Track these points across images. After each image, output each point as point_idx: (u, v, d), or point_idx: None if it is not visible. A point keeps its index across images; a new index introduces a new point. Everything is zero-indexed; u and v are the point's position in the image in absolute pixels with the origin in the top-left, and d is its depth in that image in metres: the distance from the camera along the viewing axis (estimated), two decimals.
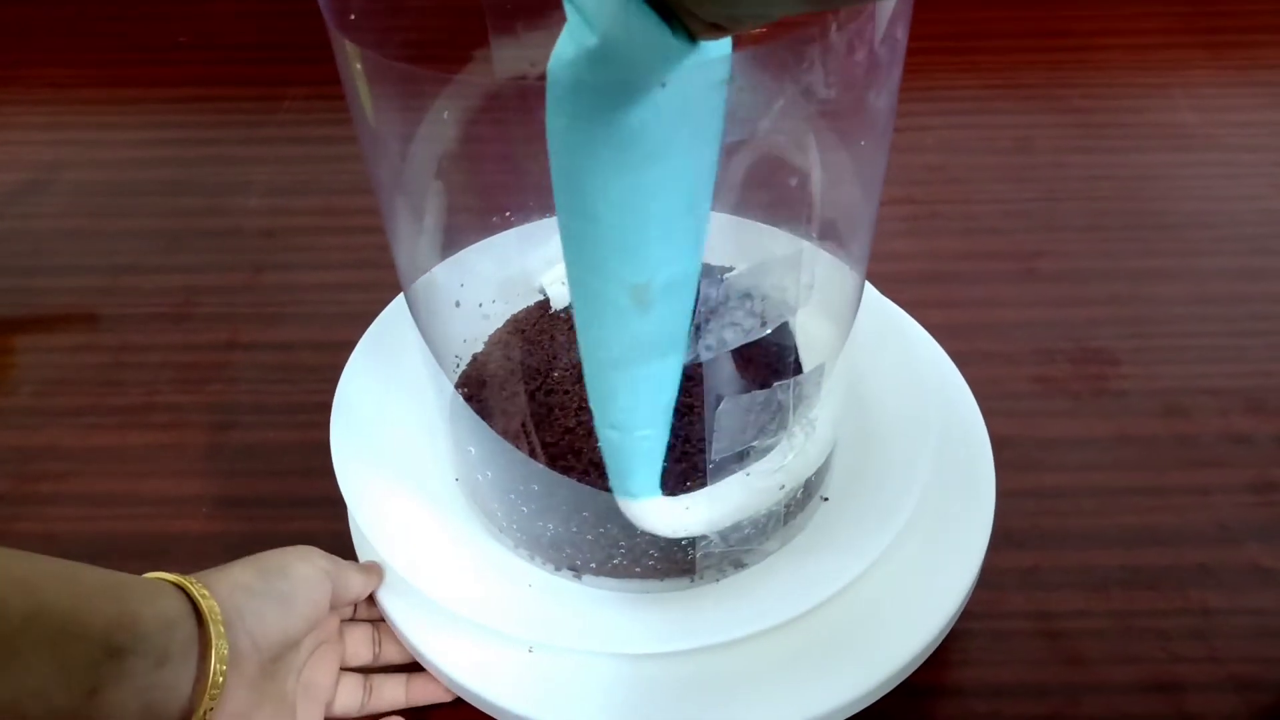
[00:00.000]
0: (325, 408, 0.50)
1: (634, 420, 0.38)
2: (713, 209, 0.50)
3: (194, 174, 0.73)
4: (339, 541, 0.46)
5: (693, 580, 0.44)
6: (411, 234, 0.43)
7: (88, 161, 0.74)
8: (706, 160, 0.33)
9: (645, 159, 0.31)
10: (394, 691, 0.43)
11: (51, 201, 0.71)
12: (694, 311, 0.36)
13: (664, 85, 0.30)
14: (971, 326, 0.59)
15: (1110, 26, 0.83)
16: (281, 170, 0.72)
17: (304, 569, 0.39)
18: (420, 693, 0.43)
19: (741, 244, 0.51)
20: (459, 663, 0.42)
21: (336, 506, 0.46)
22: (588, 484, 0.42)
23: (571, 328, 0.49)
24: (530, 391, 0.46)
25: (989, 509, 0.46)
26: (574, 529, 0.43)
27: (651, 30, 0.28)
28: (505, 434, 0.44)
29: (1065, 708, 0.44)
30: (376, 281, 0.63)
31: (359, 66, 0.35)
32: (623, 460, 0.39)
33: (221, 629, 0.36)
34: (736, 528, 0.42)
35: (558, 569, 0.44)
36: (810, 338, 0.47)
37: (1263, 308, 0.61)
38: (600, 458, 0.43)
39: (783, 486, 0.42)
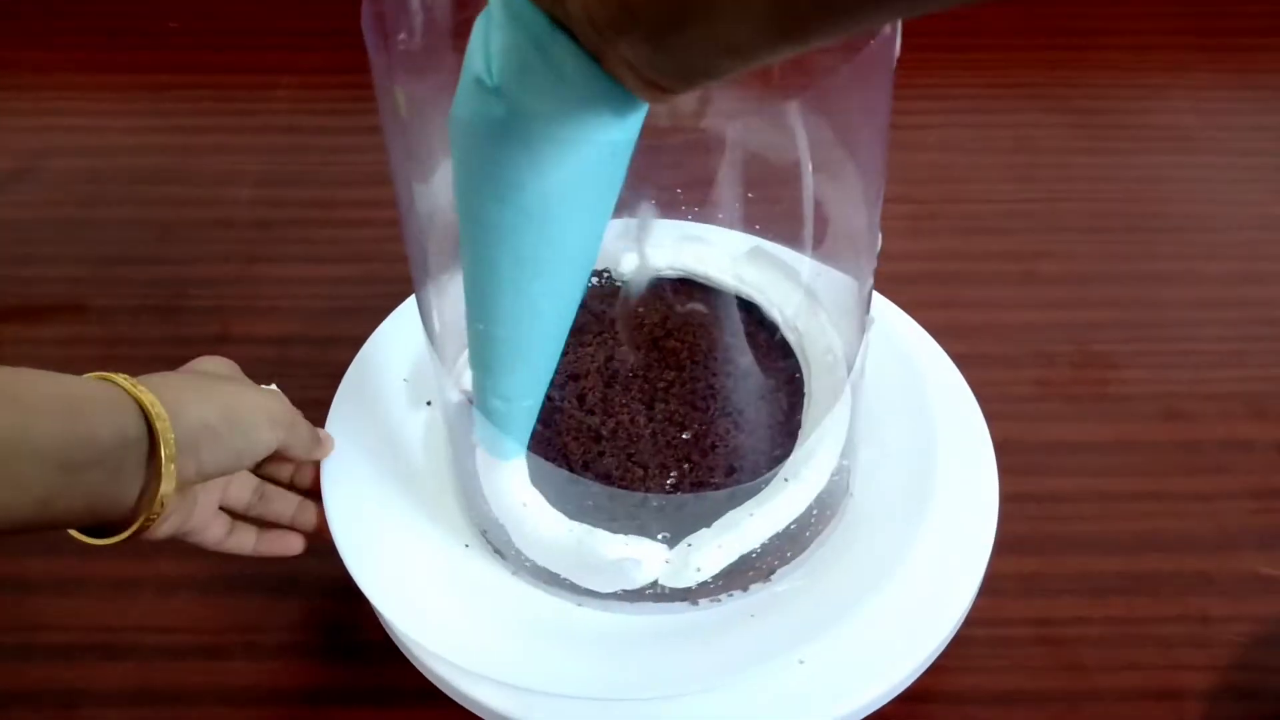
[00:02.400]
0: (318, 403, 0.49)
1: (520, 392, 0.40)
2: (716, 223, 0.50)
3: (184, 163, 0.72)
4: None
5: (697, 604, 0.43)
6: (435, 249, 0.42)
7: (75, 149, 0.73)
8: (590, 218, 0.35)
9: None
10: (283, 503, 0.45)
11: (38, 190, 0.70)
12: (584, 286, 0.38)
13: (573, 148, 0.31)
14: (972, 328, 0.59)
15: (1110, 25, 0.83)
16: (274, 160, 0.71)
17: (265, 435, 0.40)
18: (304, 516, 0.45)
19: (742, 259, 0.51)
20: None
21: None
22: (603, 495, 0.42)
23: (584, 340, 0.48)
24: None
25: (993, 516, 0.45)
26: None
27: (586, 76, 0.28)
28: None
29: (1066, 715, 0.44)
30: (371, 275, 0.63)
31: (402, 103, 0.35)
32: (502, 426, 0.41)
33: (173, 466, 0.36)
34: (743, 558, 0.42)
35: (569, 599, 0.44)
36: (814, 356, 0.47)
37: (1264, 312, 0.60)
38: (615, 469, 0.43)
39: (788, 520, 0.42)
